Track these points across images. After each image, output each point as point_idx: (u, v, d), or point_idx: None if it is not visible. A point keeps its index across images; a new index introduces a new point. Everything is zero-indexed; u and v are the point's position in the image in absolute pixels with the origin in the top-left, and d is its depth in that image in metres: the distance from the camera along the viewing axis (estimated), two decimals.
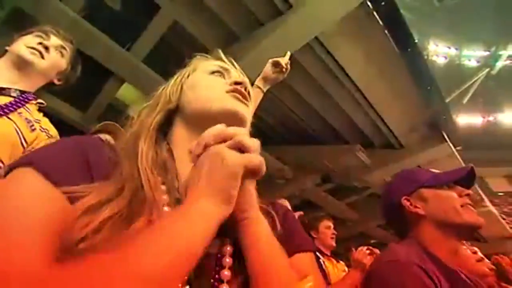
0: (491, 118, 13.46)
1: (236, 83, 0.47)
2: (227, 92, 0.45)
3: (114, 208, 0.32)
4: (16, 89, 0.84)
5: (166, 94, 0.47)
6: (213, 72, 0.49)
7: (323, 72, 2.84)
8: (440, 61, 13.24)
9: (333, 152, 3.77)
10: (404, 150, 3.87)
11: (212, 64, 0.51)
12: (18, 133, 0.78)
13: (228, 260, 0.35)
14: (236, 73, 0.51)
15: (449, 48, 13.40)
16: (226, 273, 0.34)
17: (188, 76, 0.50)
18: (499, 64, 13.09)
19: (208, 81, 0.48)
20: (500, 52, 13.07)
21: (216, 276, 0.34)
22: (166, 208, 0.35)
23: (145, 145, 0.40)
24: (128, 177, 0.35)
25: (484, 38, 12.93)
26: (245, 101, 0.45)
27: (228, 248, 0.37)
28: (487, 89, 12.86)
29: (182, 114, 0.46)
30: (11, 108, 0.79)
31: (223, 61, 0.52)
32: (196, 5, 2.37)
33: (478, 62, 13.39)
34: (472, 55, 13.51)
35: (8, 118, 0.78)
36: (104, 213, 0.31)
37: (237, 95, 0.45)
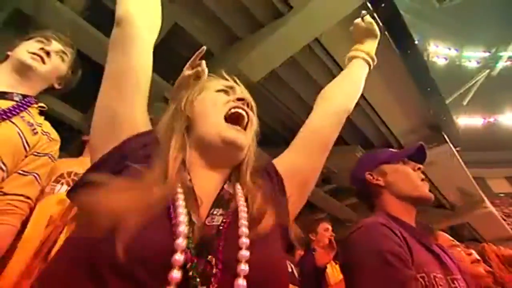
0: (491, 119, 13.43)
1: (239, 99, 0.55)
2: (226, 115, 0.52)
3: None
4: (18, 93, 0.85)
5: (181, 112, 0.54)
6: (219, 90, 0.57)
7: (323, 73, 2.85)
8: (441, 62, 13.23)
9: (333, 153, 3.76)
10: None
11: (218, 83, 0.60)
12: (20, 137, 0.79)
13: (245, 241, 0.39)
14: (240, 90, 0.59)
15: (450, 49, 13.41)
16: (244, 253, 0.38)
17: (197, 95, 0.58)
18: (500, 65, 13.07)
19: (213, 99, 0.56)
20: (501, 53, 13.06)
21: (210, 256, 0.37)
22: (182, 202, 0.40)
23: (173, 156, 0.46)
24: (152, 180, 0.42)
25: (485, 39, 12.93)
26: (241, 129, 0.52)
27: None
28: (487, 90, 12.84)
29: (191, 134, 0.53)
30: (13, 112, 0.80)
31: (228, 80, 0.61)
32: (197, 7, 2.38)
33: (478, 63, 13.39)
34: (472, 56, 13.51)
35: (11, 122, 0.79)
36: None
37: (233, 126, 0.52)
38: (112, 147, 0.47)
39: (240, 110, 0.53)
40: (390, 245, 0.65)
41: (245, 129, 0.54)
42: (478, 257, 1.10)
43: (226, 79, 0.61)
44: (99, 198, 0.37)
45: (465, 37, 12.88)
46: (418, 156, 0.90)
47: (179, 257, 0.34)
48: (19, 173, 0.79)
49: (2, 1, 2.05)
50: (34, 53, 0.88)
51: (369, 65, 0.80)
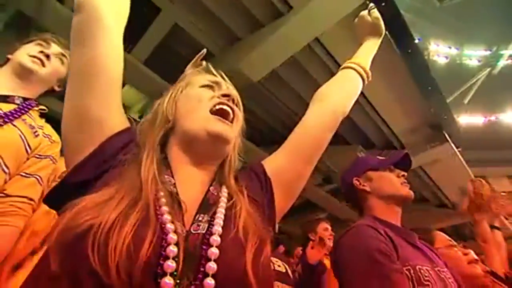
0: (493, 118, 13.39)
1: (224, 95, 0.52)
2: (212, 111, 0.50)
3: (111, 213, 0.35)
4: (19, 97, 0.86)
5: (163, 111, 0.52)
6: (203, 86, 0.55)
7: (324, 73, 2.85)
8: (441, 61, 13.20)
9: (334, 152, 3.77)
10: (405, 150, 3.87)
11: (203, 78, 0.57)
12: (22, 139, 0.80)
13: (215, 251, 0.37)
14: (225, 86, 0.57)
15: (450, 48, 13.36)
16: (212, 265, 0.36)
17: (181, 91, 0.55)
18: (501, 63, 13.03)
19: (198, 94, 0.53)
20: (502, 52, 13.01)
21: (202, 269, 0.36)
22: (165, 208, 0.39)
23: (147, 160, 0.44)
24: (130, 187, 0.40)
25: (486, 38, 12.89)
26: (227, 121, 0.51)
27: (216, 227, 0.39)
28: (488, 88, 12.81)
29: (176, 131, 0.51)
30: (15, 115, 0.81)
31: (214, 74, 0.58)
32: (197, 7, 2.39)
33: (479, 61, 13.34)
34: (473, 55, 13.46)
35: (13, 124, 0.80)
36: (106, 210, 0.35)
37: (220, 118, 0.50)
38: (90, 150, 0.43)
39: (225, 107, 0.51)
40: (376, 243, 0.70)
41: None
42: (476, 257, 1.10)
43: (213, 74, 0.59)
44: (80, 210, 0.35)
45: (466, 36, 12.84)
46: (403, 163, 0.97)
47: (169, 280, 0.32)
48: (21, 175, 0.80)
49: (4, 3, 2.06)
50: (34, 56, 0.89)
51: (363, 80, 0.74)
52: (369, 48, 0.81)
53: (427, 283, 0.68)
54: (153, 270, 0.33)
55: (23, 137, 0.80)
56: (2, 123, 0.77)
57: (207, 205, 0.44)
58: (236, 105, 0.54)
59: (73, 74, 0.48)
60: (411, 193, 0.89)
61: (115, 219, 0.34)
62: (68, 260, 0.33)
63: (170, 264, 0.33)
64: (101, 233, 0.33)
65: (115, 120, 0.47)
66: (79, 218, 0.34)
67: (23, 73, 0.88)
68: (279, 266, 1.52)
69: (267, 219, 0.50)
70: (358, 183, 0.95)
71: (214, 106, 0.51)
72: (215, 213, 0.42)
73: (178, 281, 0.34)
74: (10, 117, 0.79)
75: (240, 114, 0.55)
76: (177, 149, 0.50)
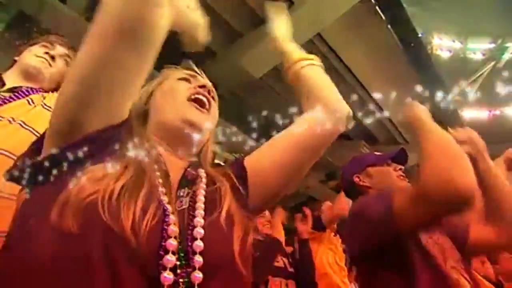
0: (497, 112, 13.27)
1: (200, 86, 0.55)
2: (189, 99, 0.52)
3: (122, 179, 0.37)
4: (27, 87, 0.90)
5: (139, 103, 0.55)
6: (180, 79, 0.57)
7: (326, 69, 2.82)
8: (445, 55, 13.06)
9: (337, 148, 3.76)
10: (409, 146, 3.86)
11: (180, 72, 0.59)
12: (30, 104, 0.85)
13: (200, 231, 0.37)
14: (201, 79, 0.59)
15: (454, 41, 13.21)
16: (198, 243, 0.36)
17: (158, 84, 0.57)
18: (506, 56, 12.88)
19: (174, 85, 0.56)
20: (506, 45, 12.86)
21: (189, 238, 0.37)
22: (161, 189, 0.40)
23: (139, 141, 0.46)
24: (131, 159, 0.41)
25: (490, 31, 12.74)
26: (204, 109, 0.53)
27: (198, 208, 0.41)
28: (493, 82, 12.68)
29: (150, 121, 0.53)
30: (25, 93, 0.86)
31: (191, 69, 0.60)
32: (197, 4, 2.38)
33: (483, 55, 13.19)
34: (477, 48, 13.30)
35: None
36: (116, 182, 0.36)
37: (196, 105, 0.52)
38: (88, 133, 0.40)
39: (201, 96, 0.53)
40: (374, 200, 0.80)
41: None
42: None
43: (188, 68, 0.60)
44: (89, 178, 0.35)
45: (470, 29, 12.70)
46: (400, 158, 1.02)
47: (170, 257, 0.33)
48: None
49: (5, 3, 2.07)
50: (40, 57, 0.91)
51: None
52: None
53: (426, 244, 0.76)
54: (156, 248, 0.34)
55: (31, 102, 0.84)
56: (15, 97, 0.81)
57: (186, 181, 0.45)
58: (212, 98, 0.56)
59: (117, 63, 0.40)
60: (408, 186, 0.94)
61: (121, 188, 0.35)
62: (81, 221, 0.33)
63: (172, 243, 0.34)
64: (110, 197, 0.34)
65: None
66: (86, 189, 0.34)
67: (31, 74, 0.91)
68: (277, 261, 1.54)
69: (242, 202, 0.49)
70: (358, 180, 0.99)
71: (191, 95, 0.53)
72: (194, 190, 0.44)
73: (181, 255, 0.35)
74: (21, 92, 0.84)
75: (215, 106, 0.57)
76: (153, 136, 0.51)
